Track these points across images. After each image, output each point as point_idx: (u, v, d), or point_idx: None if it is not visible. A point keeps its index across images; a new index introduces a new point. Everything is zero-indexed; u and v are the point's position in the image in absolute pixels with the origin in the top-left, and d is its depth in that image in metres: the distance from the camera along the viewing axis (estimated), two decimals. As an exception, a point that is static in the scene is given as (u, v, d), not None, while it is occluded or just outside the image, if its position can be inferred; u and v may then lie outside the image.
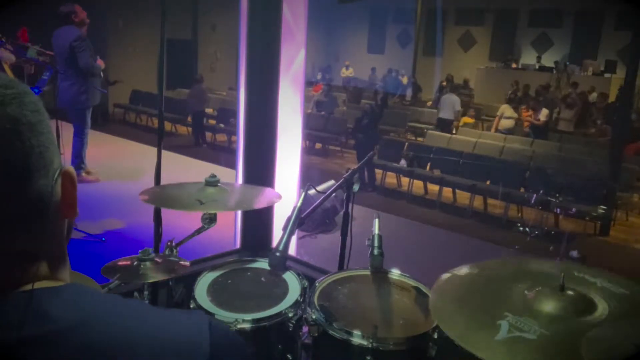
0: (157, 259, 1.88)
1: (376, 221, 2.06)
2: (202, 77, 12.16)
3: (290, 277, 2.03)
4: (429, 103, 13.94)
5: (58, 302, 0.63)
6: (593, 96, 13.53)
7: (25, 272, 0.65)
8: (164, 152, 2.55)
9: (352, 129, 10.00)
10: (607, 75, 14.88)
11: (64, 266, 0.72)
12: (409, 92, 16.16)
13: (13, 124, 0.61)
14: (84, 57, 5.11)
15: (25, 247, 0.65)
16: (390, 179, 8.98)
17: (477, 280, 1.48)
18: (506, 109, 11.37)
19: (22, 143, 0.62)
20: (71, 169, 0.70)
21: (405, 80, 16.31)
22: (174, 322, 0.70)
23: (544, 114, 10.60)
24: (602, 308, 1.27)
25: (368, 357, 1.61)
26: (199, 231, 2.15)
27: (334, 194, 2.25)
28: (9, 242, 0.64)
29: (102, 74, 5.58)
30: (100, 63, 5.33)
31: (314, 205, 2.05)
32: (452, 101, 11.43)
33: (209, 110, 12.28)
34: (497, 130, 11.02)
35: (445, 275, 1.49)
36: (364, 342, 1.62)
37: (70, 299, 0.65)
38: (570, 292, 1.29)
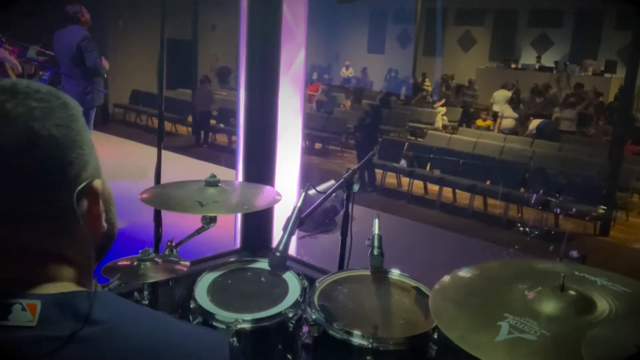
0: (157, 259, 1.88)
1: (376, 221, 2.06)
2: (209, 78, 12.15)
3: (290, 277, 2.03)
4: (437, 104, 13.93)
5: (97, 305, 0.67)
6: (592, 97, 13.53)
7: (50, 273, 0.69)
8: (164, 152, 2.55)
9: (354, 129, 10.01)
10: (607, 75, 14.87)
11: (90, 278, 0.75)
12: (402, 91, 16.15)
13: (34, 135, 0.65)
14: (92, 56, 5.14)
15: (50, 249, 0.69)
16: (390, 179, 8.98)
17: (477, 281, 1.48)
18: (506, 109, 11.38)
19: (46, 152, 0.66)
20: (98, 183, 0.73)
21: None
22: (198, 335, 0.73)
23: (532, 125, 10.64)
24: (603, 307, 1.26)
25: (368, 357, 1.61)
26: (199, 231, 2.15)
27: (334, 194, 2.25)
28: (33, 240, 0.67)
29: (105, 75, 5.60)
30: (105, 64, 5.34)
31: (314, 205, 2.05)
32: (505, 96, 12.49)
33: (208, 110, 12.28)
34: (499, 130, 11.04)
35: (446, 277, 1.48)
36: (364, 342, 1.62)
37: (103, 304, 0.68)
38: (570, 292, 1.29)
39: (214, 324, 1.80)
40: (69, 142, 0.69)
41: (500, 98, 12.58)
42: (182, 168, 6.91)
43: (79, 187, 0.70)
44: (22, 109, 0.65)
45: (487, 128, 11.67)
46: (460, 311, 1.33)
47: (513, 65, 16.81)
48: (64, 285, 0.68)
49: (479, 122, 11.84)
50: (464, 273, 1.51)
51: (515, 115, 11.20)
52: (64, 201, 0.68)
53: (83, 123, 0.74)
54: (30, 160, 0.65)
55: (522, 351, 1.14)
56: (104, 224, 0.75)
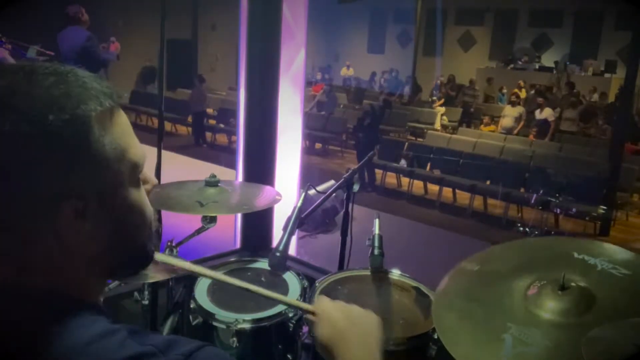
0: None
1: (376, 221, 2.06)
2: (203, 77, 12.16)
3: (290, 277, 2.03)
4: (435, 104, 13.88)
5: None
6: (594, 97, 13.52)
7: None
8: (164, 152, 2.54)
9: (353, 129, 10.00)
10: (607, 75, 14.87)
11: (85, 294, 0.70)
12: (406, 91, 16.14)
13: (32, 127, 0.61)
14: (100, 54, 5.22)
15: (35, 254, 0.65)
16: (390, 179, 8.98)
17: (477, 281, 1.47)
18: (506, 108, 11.38)
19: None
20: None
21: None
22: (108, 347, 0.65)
23: (547, 112, 10.59)
24: (604, 301, 1.25)
25: (368, 357, 1.61)
26: (199, 231, 2.15)
27: (334, 194, 2.25)
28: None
29: (117, 57, 5.68)
30: (114, 47, 5.40)
31: (314, 205, 2.05)
32: (514, 112, 12.07)
33: (208, 110, 12.28)
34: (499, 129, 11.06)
35: (446, 277, 1.48)
36: (364, 342, 1.62)
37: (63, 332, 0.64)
38: (571, 290, 1.28)
39: (214, 324, 1.80)
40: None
41: (509, 113, 11.81)
42: (182, 168, 6.90)
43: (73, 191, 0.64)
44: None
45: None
46: (463, 323, 1.31)
47: (526, 63, 16.64)
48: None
49: (483, 128, 11.80)
50: (465, 267, 1.50)
51: (514, 114, 11.17)
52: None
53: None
54: (47, 145, 0.61)
55: None
56: (90, 243, 0.67)
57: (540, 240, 1.54)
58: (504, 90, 14.85)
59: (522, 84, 14.35)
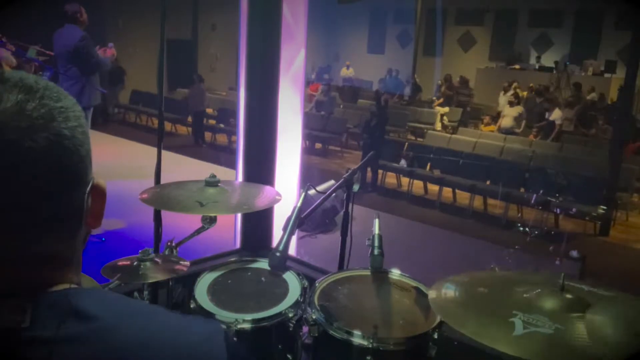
0: (157, 259, 1.88)
1: (376, 221, 2.06)
2: (201, 77, 12.16)
3: (290, 277, 2.03)
4: (435, 104, 13.84)
5: (91, 303, 0.66)
6: (592, 96, 13.51)
7: (56, 275, 0.68)
8: (164, 152, 2.55)
9: (361, 130, 9.96)
10: (607, 75, 14.86)
11: (80, 274, 0.75)
12: (406, 91, 16.12)
13: (58, 137, 0.64)
14: (92, 56, 5.17)
15: (57, 251, 0.68)
16: (390, 179, 8.98)
17: (472, 286, 1.46)
18: (505, 108, 11.37)
19: (68, 154, 0.65)
20: (102, 182, 0.73)
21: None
22: (193, 328, 0.73)
23: (556, 114, 10.61)
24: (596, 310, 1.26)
25: (368, 357, 1.61)
26: (199, 231, 2.15)
27: (334, 194, 2.25)
28: (44, 244, 0.66)
29: (111, 63, 5.64)
30: (109, 53, 5.36)
31: (314, 205, 2.05)
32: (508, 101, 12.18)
33: (208, 110, 12.28)
34: (499, 129, 11.04)
35: (438, 286, 1.46)
36: (364, 342, 1.62)
37: (97, 301, 0.68)
38: (568, 295, 1.27)
39: (214, 324, 1.80)
40: (84, 139, 0.68)
41: (509, 113, 11.69)
42: (182, 168, 6.90)
43: (89, 186, 0.70)
44: (43, 111, 0.63)
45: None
46: (467, 311, 1.30)
47: (517, 66, 16.62)
48: (61, 286, 0.68)
49: (483, 128, 11.80)
50: (449, 289, 1.47)
51: (514, 114, 11.17)
52: (78, 202, 0.68)
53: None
54: (55, 164, 0.64)
55: (543, 343, 1.12)
56: (101, 222, 0.75)
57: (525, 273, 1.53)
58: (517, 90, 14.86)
59: (532, 86, 14.35)
